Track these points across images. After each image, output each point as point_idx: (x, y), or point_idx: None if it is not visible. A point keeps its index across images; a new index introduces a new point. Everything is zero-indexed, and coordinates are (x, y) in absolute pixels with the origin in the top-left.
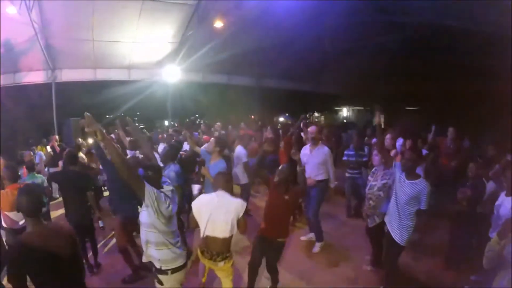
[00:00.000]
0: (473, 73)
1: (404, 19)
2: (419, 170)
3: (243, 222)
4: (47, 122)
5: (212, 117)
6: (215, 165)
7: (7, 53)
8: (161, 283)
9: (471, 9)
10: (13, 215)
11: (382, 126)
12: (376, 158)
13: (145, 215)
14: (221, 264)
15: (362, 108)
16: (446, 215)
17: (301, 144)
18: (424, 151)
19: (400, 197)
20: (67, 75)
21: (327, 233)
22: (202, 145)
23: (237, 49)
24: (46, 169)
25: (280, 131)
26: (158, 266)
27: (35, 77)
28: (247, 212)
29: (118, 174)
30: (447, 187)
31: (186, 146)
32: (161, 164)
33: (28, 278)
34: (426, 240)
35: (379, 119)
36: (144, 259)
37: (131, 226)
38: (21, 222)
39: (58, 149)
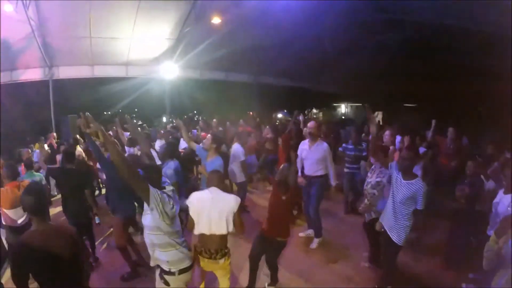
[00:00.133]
0: (472, 72)
1: (403, 19)
2: (417, 169)
3: (239, 221)
4: (45, 120)
5: (210, 114)
6: (212, 162)
7: (4, 51)
8: (167, 283)
9: (471, 9)
10: (13, 213)
11: (380, 123)
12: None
13: (149, 218)
14: (222, 261)
15: (361, 104)
16: (444, 213)
17: (301, 139)
18: (422, 149)
19: (396, 197)
20: (65, 72)
21: (325, 230)
22: (200, 142)
23: (235, 46)
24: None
25: (279, 128)
26: (166, 269)
27: (33, 74)
28: (244, 209)
29: (116, 173)
30: (445, 185)
31: (184, 144)
32: (159, 162)
33: (31, 277)
34: (424, 239)
35: (369, 116)
36: (152, 263)
37: (129, 224)
38: (20, 221)
39: (55, 146)
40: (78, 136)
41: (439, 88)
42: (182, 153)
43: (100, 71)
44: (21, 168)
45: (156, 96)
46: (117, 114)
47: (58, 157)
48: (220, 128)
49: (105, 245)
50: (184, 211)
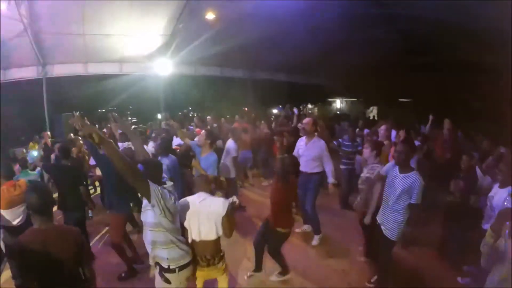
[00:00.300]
0: (468, 68)
1: (400, 13)
2: (412, 163)
3: (228, 225)
4: (39, 118)
5: (205, 110)
6: (206, 158)
7: None
8: (168, 281)
9: (468, 3)
10: (9, 213)
11: (375, 118)
12: (365, 151)
13: (150, 214)
14: (220, 264)
15: (356, 99)
16: (438, 207)
17: (296, 134)
18: (417, 143)
19: (391, 191)
20: (58, 70)
21: (321, 225)
22: (195, 138)
23: (229, 42)
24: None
25: (273, 124)
26: (166, 266)
27: (26, 73)
28: (243, 208)
29: (112, 170)
30: (440, 179)
31: (177, 141)
32: None
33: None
34: (419, 232)
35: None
36: (151, 261)
37: (125, 221)
38: (15, 221)
39: (50, 144)
40: (72, 135)
41: (434, 82)
42: (178, 150)
43: (94, 68)
44: (16, 167)
45: (151, 93)
46: (110, 111)
47: (53, 156)
48: (215, 124)
49: (101, 243)
50: None
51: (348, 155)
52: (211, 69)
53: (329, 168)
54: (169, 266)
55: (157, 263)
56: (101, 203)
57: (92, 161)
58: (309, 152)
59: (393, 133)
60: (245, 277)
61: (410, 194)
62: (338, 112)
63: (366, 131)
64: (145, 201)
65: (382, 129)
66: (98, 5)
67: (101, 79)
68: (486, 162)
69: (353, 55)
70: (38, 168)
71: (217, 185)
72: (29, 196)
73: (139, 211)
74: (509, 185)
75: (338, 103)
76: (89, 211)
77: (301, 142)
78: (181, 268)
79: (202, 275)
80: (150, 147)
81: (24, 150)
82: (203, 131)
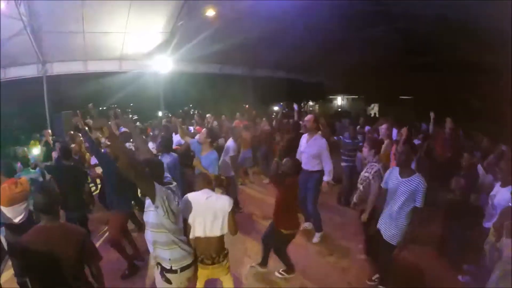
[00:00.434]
0: (468, 67)
1: (399, 11)
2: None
3: (233, 222)
4: (39, 117)
5: (206, 107)
6: (206, 156)
7: None
8: (169, 282)
9: (467, 2)
10: (10, 210)
11: (377, 116)
12: (364, 149)
13: (153, 215)
14: (224, 262)
15: (356, 96)
16: (439, 205)
17: (297, 131)
18: (417, 141)
19: (395, 197)
20: (58, 68)
21: (322, 222)
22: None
23: (229, 39)
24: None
25: (274, 121)
26: (168, 267)
27: (26, 71)
28: (239, 209)
29: (113, 168)
30: (440, 177)
31: (177, 140)
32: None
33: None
34: (419, 230)
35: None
36: (152, 262)
37: (126, 219)
38: (17, 219)
39: (50, 142)
40: (72, 132)
41: (434, 82)
42: (179, 149)
43: (94, 66)
44: (17, 165)
45: (151, 91)
46: (111, 109)
47: (54, 154)
48: (215, 122)
49: (101, 241)
50: None
51: (349, 152)
52: (211, 66)
53: (327, 167)
54: (171, 267)
55: (158, 263)
56: (99, 201)
57: (92, 161)
58: (309, 149)
59: (395, 131)
60: (249, 266)
61: (414, 198)
62: (339, 110)
63: (367, 128)
64: (148, 201)
65: (383, 127)
66: (98, 3)
67: (101, 77)
68: (487, 160)
69: (352, 54)
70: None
71: (217, 183)
72: (35, 196)
73: (140, 209)
74: (510, 184)
75: (339, 100)
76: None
77: (303, 140)
78: (183, 269)
79: (206, 273)
80: (150, 147)
81: (26, 149)
82: (204, 129)
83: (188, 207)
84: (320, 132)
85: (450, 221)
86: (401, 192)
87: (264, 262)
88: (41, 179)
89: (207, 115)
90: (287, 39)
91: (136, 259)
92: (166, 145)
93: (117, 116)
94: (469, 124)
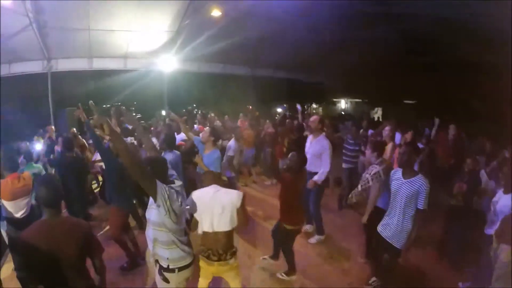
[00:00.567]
0: (468, 67)
1: (402, 12)
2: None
3: (243, 215)
4: (43, 113)
5: (209, 107)
6: (209, 155)
7: (2, 43)
8: (166, 280)
9: (468, 2)
10: (12, 205)
11: (380, 120)
12: (367, 152)
13: (154, 213)
14: (232, 261)
15: (360, 100)
16: (441, 209)
17: (301, 133)
18: (420, 145)
19: (398, 198)
20: (63, 64)
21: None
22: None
23: (234, 39)
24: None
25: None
26: (165, 265)
27: (31, 67)
28: None
29: (114, 165)
30: (442, 181)
31: (180, 137)
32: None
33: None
34: (420, 235)
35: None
36: (152, 259)
37: (126, 215)
38: (19, 214)
39: (54, 138)
40: (75, 129)
41: (434, 81)
42: (183, 146)
43: (99, 64)
44: (20, 160)
45: (155, 89)
46: (115, 107)
47: (57, 148)
48: (218, 121)
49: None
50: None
51: (351, 153)
52: (215, 66)
53: (323, 168)
54: (168, 266)
55: (157, 261)
56: (100, 198)
57: (93, 157)
58: (312, 149)
59: (399, 135)
60: (261, 258)
61: (416, 200)
62: (343, 113)
63: (370, 131)
64: (151, 199)
65: (386, 129)
66: (104, 1)
67: (106, 74)
68: (490, 166)
69: (353, 55)
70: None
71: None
72: (37, 189)
73: (141, 207)
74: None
75: (342, 104)
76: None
77: (308, 141)
78: (181, 269)
79: (211, 270)
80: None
81: (28, 143)
82: (207, 128)
83: (195, 203)
84: (324, 133)
85: (452, 226)
86: (403, 193)
87: (275, 255)
88: (43, 173)
89: (211, 115)
90: (289, 39)
91: (137, 257)
92: (169, 143)
93: (122, 113)
94: (469, 124)
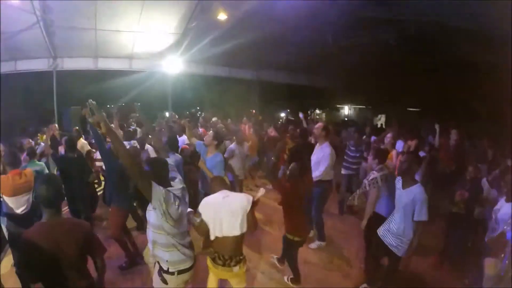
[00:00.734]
0: (468, 67)
1: (406, 17)
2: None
3: (252, 219)
4: (47, 111)
5: (213, 111)
6: (212, 158)
7: (9, 40)
8: (165, 282)
9: (468, 2)
10: (13, 201)
11: (383, 127)
12: (369, 158)
13: (153, 215)
14: (236, 269)
15: (364, 107)
16: (442, 216)
17: (306, 139)
18: (422, 153)
19: (397, 206)
20: (68, 63)
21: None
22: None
23: (240, 42)
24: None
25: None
26: (165, 268)
27: (36, 65)
28: None
29: (115, 165)
30: (444, 188)
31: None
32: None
33: None
34: (422, 242)
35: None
36: (152, 260)
37: (126, 215)
38: (20, 210)
39: (58, 137)
40: (77, 128)
41: (434, 81)
42: (187, 149)
43: (104, 64)
44: (23, 157)
45: (160, 91)
46: (121, 107)
47: (60, 149)
48: (220, 125)
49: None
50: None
51: (352, 160)
52: (220, 69)
53: (317, 172)
54: (168, 268)
55: (157, 262)
56: (103, 202)
57: (96, 156)
58: (315, 156)
59: (401, 143)
60: (270, 256)
61: (415, 208)
62: (346, 119)
63: (373, 138)
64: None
65: (388, 136)
66: (111, 1)
67: (111, 74)
68: (492, 175)
69: (353, 55)
70: (44, 159)
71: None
72: (38, 188)
73: (140, 208)
74: None
75: (346, 110)
76: None
77: (316, 148)
78: (180, 272)
79: (216, 272)
80: (151, 148)
81: (31, 140)
82: (211, 131)
83: (206, 210)
84: (328, 141)
85: (453, 233)
86: (401, 203)
87: (282, 260)
88: (46, 171)
89: (213, 119)
90: (293, 40)
91: (136, 257)
92: (171, 145)
93: (134, 110)
94: (470, 124)
